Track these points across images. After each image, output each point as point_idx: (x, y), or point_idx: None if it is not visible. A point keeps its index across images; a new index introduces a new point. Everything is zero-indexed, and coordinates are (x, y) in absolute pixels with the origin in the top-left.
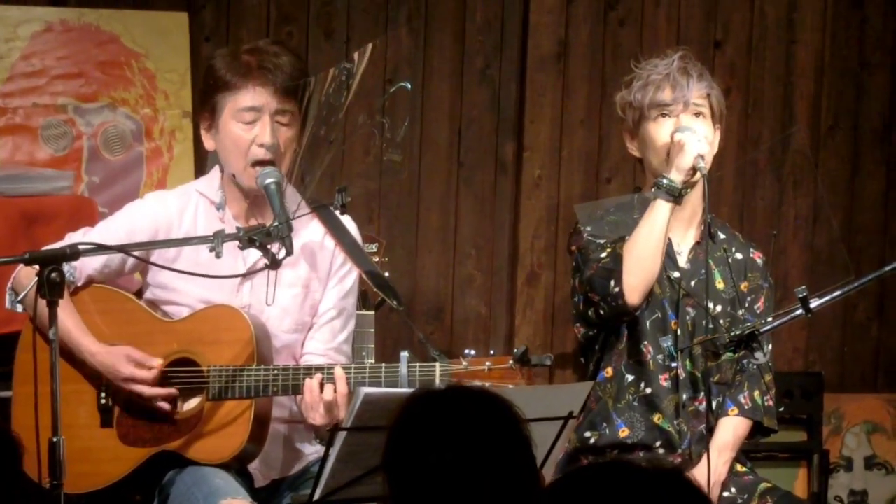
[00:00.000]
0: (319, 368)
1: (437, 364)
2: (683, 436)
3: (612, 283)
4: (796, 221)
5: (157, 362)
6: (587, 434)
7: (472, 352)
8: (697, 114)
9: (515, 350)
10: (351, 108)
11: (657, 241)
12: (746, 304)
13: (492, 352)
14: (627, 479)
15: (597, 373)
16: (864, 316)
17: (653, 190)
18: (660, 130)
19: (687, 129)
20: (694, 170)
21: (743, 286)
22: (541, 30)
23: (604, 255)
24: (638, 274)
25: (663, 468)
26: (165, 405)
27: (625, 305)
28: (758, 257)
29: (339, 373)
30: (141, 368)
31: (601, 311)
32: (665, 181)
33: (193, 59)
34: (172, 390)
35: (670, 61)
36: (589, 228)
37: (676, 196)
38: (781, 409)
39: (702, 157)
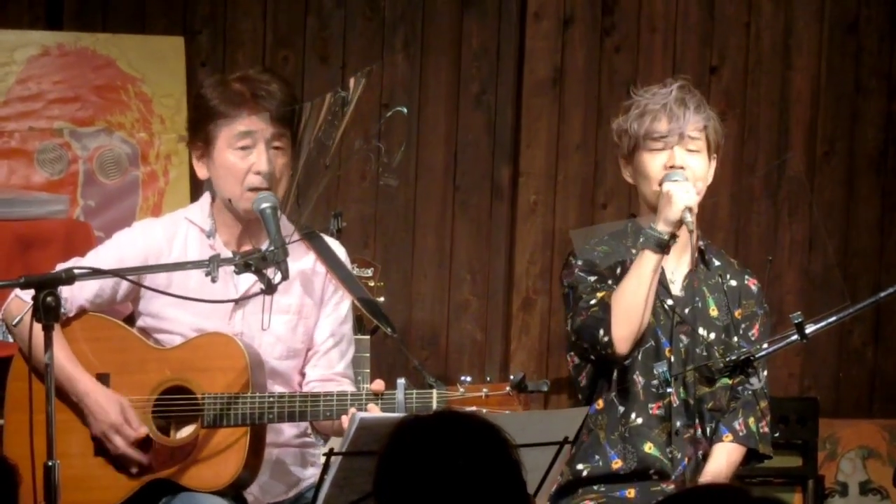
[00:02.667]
0: (327, 394)
1: (434, 391)
2: (676, 463)
3: (602, 332)
4: (792, 247)
5: (145, 430)
6: (580, 466)
7: (469, 378)
8: (692, 150)
9: (512, 376)
10: (347, 133)
11: (645, 291)
12: (741, 331)
13: (488, 378)
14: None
15: (589, 402)
16: (859, 341)
17: (640, 240)
18: (654, 161)
19: (676, 177)
20: (681, 222)
21: (737, 313)
22: (537, 55)
23: (593, 301)
24: (626, 325)
25: (766, 496)
26: (128, 460)
27: (614, 354)
28: (752, 284)
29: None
30: (128, 426)
31: (591, 357)
32: (652, 232)
33: (189, 83)
34: (147, 456)
35: (668, 91)
36: (580, 263)
37: (663, 248)
38: (776, 434)
39: (689, 209)
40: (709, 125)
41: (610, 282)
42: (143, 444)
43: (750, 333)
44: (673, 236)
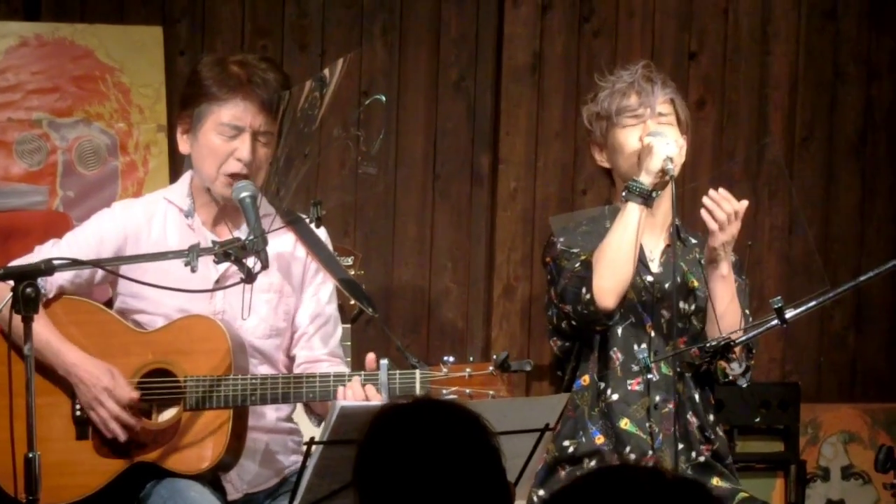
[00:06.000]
0: (310, 376)
1: (418, 371)
2: (655, 437)
3: (584, 290)
4: (772, 232)
5: (137, 394)
6: (566, 443)
7: (452, 358)
8: (664, 123)
9: (495, 356)
10: (326, 120)
11: (629, 243)
12: None
13: (471, 358)
14: (645, 485)
15: (573, 383)
16: (840, 326)
17: (623, 193)
18: (628, 137)
19: (657, 133)
20: (663, 172)
21: None
22: (515, 42)
23: (577, 264)
24: (610, 277)
25: (683, 477)
26: (119, 431)
27: (597, 311)
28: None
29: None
30: (121, 389)
31: (573, 322)
32: (635, 184)
33: (168, 73)
34: (139, 422)
35: (634, 70)
36: (562, 240)
37: (647, 198)
38: (758, 419)
39: (670, 159)
40: (676, 99)
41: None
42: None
43: None
44: (655, 188)
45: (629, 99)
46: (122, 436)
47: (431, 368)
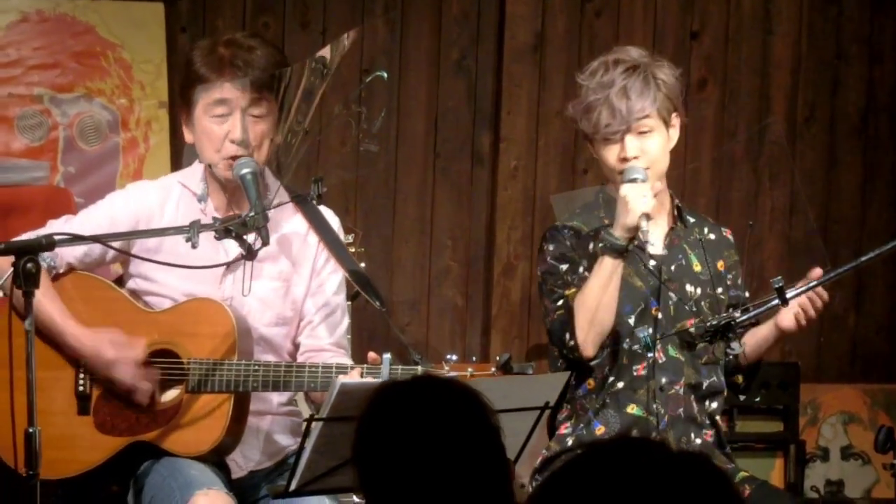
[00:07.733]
0: (312, 365)
1: (419, 368)
2: (660, 418)
3: (568, 336)
4: (773, 213)
5: (142, 343)
6: (564, 434)
7: (454, 357)
8: (644, 132)
9: (498, 357)
10: (327, 98)
11: (607, 296)
12: (728, 282)
13: (473, 358)
14: (649, 459)
15: (578, 388)
16: (840, 307)
17: (599, 246)
18: (609, 154)
19: (634, 174)
20: (637, 228)
21: (720, 265)
22: (517, 21)
23: (560, 303)
24: (589, 329)
25: (688, 452)
26: (146, 390)
27: (581, 357)
28: (729, 234)
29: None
30: (127, 350)
31: (561, 360)
32: (609, 238)
33: (169, 49)
34: (154, 375)
35: (610, 80)
36: (551, 248)
37: (621, 253)
38: (758, 399)
39: (646, 215)
40: (656, 103)
41: (581, 269)
42: (134, 405)
43: (738, 281)
44: (631, 241)
45: (602, 118)
46: (146, 398)
47: (434, 366)
